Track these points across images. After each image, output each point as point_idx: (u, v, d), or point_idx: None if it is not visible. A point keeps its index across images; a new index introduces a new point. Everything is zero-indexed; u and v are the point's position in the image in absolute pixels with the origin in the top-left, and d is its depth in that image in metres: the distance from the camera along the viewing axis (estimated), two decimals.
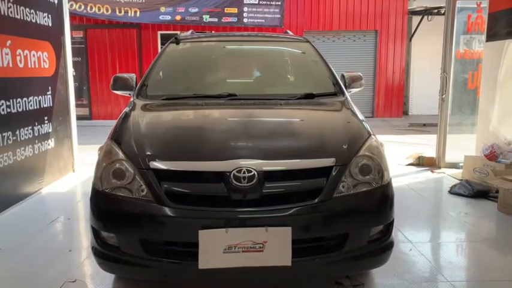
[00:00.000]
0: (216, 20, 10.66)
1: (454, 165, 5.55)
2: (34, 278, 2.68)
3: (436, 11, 11.28)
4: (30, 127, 4.36)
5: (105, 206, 2.18)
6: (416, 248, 3.10)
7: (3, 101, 3.88)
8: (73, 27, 8.59)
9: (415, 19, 12.04)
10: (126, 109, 2.81)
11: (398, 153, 6.38)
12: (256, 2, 10.71)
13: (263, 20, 10.83)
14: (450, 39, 5.44)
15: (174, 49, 3.58)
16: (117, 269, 2.26)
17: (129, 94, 3.21)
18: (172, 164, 2.14)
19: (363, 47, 11.72)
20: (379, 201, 2.24)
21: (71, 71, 5.37)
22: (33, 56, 4.43)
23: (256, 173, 2.03)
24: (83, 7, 10.24)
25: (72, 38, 5.80)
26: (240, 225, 2.00)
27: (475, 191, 4.31)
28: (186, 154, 2.23)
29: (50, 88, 4.80)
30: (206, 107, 2.85)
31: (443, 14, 5.98)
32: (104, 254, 2.18)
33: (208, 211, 2.03)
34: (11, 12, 4.02)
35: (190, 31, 4.35)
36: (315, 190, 2.10)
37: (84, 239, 3.32)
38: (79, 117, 6.56)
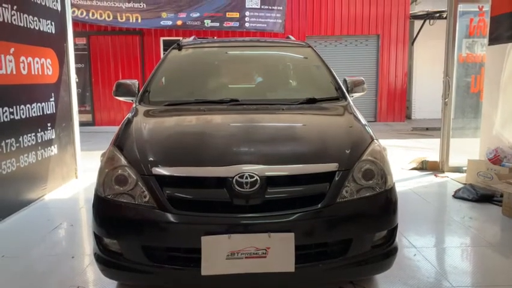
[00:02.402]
0: (217, 24, 10.68)
1: (457, 169, 5.52)
2: (37, 284, 2.67)
3: (437, 15, 11.28)
4: (33, 134, 4.37)
5: (108, 212, 2.17)
6: (420, 253, 3.08)
7: (6, 108, 3.89)
8: (76, 34, 8.65)
9: (417, 23, 12.05)
10: (129, 115, 2.81)
11: (401, 157, 6.35)
12: (258, 7, 10.73)
13: (265, 25, 10.84)
14: (452, 43, 5.44)
15: (176, 55, 3.60)
16: (120, 275, 2.25)
17: (132, 100, 3.22)
18: (175, 170, 2.14)
19: (365, 52, 11.72)
20: (382, 206, 2.23)
21: (74, 78, 5.39)
22: (37, 63, 4.45)
23: (258, 179, 2.02)
24: (84, 13, 10.30)
25: (75, 44, 5.84)
26: (243, 231, 1.99)
27: (479, 195, 4.29)
28: (189, 160, 2.23)
29: (53, 95, 4.82)
30: (208, 112, 2.85)
31: (445, 18, 5.97)
32: (106, 260, 2.18)
33: (210, 217, 2.03)
34: (14, 19, 4.04)
35: (192, 37, 4.36)
36: (318, 195, 2.09)
37: (87, 245, 3.31)
38: (82, 124, 6.59)
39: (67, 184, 5.12)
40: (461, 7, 5.49)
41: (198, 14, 10.58)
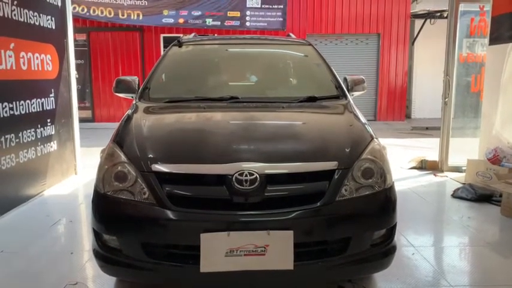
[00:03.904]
0: (218, 23, 10.69)
1: (457, 169, 5.52)
2: (36, 280, 2.68)
3: (438, 14, 11.27)
4: (33, 129, 4.37)
5: (107, 209, 2.17)
6: (419, 252, 3.08)
7: (6, 104, 3.89)
8: (76, 30, 8.64)
9: (418, 22, 12.03)
10: (129, 112, 2.81)
11: (400, 156, 6.36)
12: (259, 6, 10.73)
13: (265, 24, 10.84)
14: (453, 43, 5.43)
15: (176, 52, 3.59)
16: (119, 271, 2.25)
17: (132, 97, 3.22)
18: (174, 167, 2.14)
19: (366, 50, 11.71)
20: (381, 205, 2.23)
21: (73, 74, 5.38)
22: (37, 58, 4.45)
23: (258, 176, 2.02)
24: (85, 10, 10.28)
25: (75, 40, 5.83)
26: (242, 229, 2.00)
27: (478, 195, 4.29)
28: (188, 157, 2.22)
29: (52, 91, 4.82)
30: (208, 109, 2.85)
31: (446, 17, 5.96)
32: (106, 256, 2.18)
33: (210, 214, 2.03)
34: (14, 15, 4.04)
35: (192, 34, 4.35)
36: (317, 193, 2.09)
37: (86, 241, 3.32)
38: (81, 120, 6.58)
39: (66, 180, 5.13)
40: (462, 6, 5.48)
41: (199, 13, 10.58)
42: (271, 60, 3.83)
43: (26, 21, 4.25)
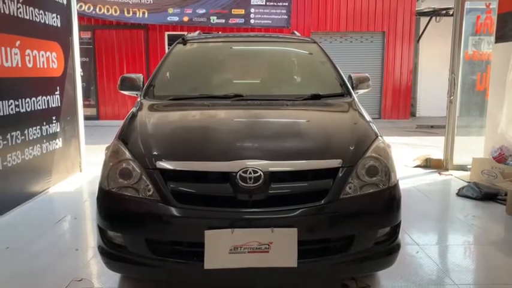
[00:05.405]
0: (223, 21, 10.69)
1: (461, 168, 5.50)
2: (41, 276, 2.70)
3: (444, 12, 11.20)
4: (38, 127, 4.39)
5: (112, 206, 2.19)
6: (423, 250, 3.08)
7: (12, 101, 3.91)
8: (81, 28, 8.66)
9: (423, 20, 11.97)
10: (133, 109, 2.82)
11: (405, 155, 6.34)
12: (263, 3, 10.71)
13: (270, 21, 10.82)
14: (458, 41, 5.40)
15: (181, 49, 3.60)
16: (123, 268, 2.26)
17: (136, 94, 3.23)
18: (179, 164, 2.14)
19: (370, 48, 11.66)
20: (386, 203, 2.23)
21: (78, 71, 5.40)
22: (42, 56, 4.47)
23: (262, 174, 2.03)
24: (92, 8, 10.31)
25: (80, 38, 5.84)
26: (246, 226, 2.00)
27: (483, 194, 4.27)
28: (193, 154, 2.23)
29: (58, 88, 4.84)
30: (213, 107, 2.86)
31: (452, 15, 5.93)
32: (110, 253, 2.19)
33: (214, 211, 2.03)
34: (20, 12, 4.05)
35: (197, 32, 4.36)
36: (321, 191, 2.09)
37: (91, 238, 3.34)
38: (86, 118, 6.59)
39: (71, 177, 5.15)
40: (468, 4, 5.45)
41: (204, 11, 10.58)
42: (275, 58, 3.82)
43: (31, 19, 4.27)
